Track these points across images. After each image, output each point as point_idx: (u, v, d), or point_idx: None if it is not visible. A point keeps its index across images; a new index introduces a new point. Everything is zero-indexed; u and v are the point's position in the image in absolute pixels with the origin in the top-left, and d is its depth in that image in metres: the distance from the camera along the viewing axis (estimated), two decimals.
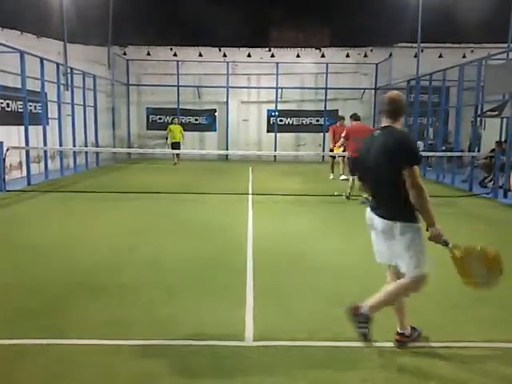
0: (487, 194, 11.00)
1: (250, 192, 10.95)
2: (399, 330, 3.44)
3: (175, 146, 17.43)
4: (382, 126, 3.32)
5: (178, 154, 17.58)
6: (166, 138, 18.04)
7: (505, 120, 13.19)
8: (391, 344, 3.44)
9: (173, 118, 18.98)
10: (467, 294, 4.53)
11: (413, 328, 3.48)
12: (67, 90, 15.29)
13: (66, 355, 3.24)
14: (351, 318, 3.22)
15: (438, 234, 3.04)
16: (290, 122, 21.21)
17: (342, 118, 13.35)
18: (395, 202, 3.16)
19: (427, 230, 3.08)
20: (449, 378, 3.05)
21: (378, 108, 3.46)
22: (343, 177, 12.66)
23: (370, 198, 3.47)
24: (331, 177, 13.48)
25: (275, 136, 20.41)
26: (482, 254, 3.06)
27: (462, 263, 3.07)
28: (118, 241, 6.40)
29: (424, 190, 3.03)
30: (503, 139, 13.17)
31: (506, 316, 4.02)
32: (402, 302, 3.41)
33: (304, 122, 21.20)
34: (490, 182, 11.94)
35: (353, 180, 9.74)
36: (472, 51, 19.10)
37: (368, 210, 3.44)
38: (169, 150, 17.51)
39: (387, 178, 3.16)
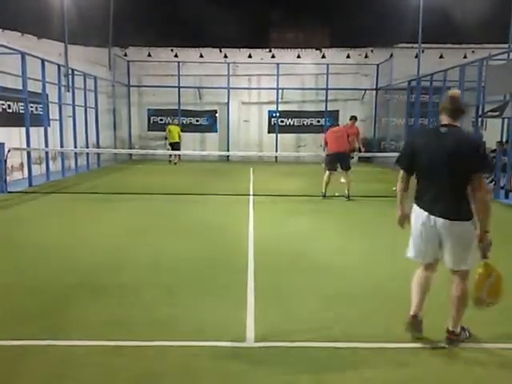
0: None
1: (251, 193, 10.94)
2: (413, 313, 3.51)
3: (174, 146, 17.82)
4: (444, 123, 3.30)
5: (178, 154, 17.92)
6: (166, 138, 18.42)
7: (506, 120, 13.18)
8: (391, 345, 3.43)
9: (173, 119, 19.39)
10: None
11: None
12: (68, 91, 15.30)
13: (67, 356, 3.24)
14: (454, 342, 3.41)
15: (491, 242, 3.19)
16: (291, 123, 21.21)
17: (355, 118, 13.21)
18: (462, 202, 3.20)
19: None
20: (449, 379, 3.05)
21: (440, 106, 3.60)
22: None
23: (422, 196, 3.36)
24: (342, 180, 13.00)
25: (276, 137, 20.42)
26: (496, 279, 3.21)
27: (484, 280, 3.21)
28: (118, 241, 6.41)
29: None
30: (504, 139, 13.15)
31: (503, 319, 4.01)
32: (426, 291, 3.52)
33: (305, 122, 21.20)
34: (491, 182, 11.92)
35: (329, 175, 10.20)
36: (473, 52, 19.09)
37: (419, 209, 3.36)
38: (170, 152, 17.80)
39: (459, 177, 3.17)
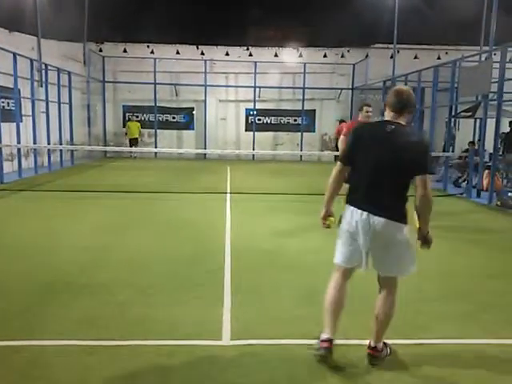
0: (461, 194, 11.21)
1: (228, 191, 10.92)
2: (329, 336, 3.14)
3: (133, 141, 19.41)
4: (389, 120, 3.08)
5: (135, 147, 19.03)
6: (126, 134, 19.63)
7: (478, 121, 13.47)
8: (367, 341, 3.46)
9: (131, 116, 20.34)
10: (438, 290, 4.62)
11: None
12: (41, 86, 14.98)
13: (39, 356, 3.17)
14: (376, 358, 3.18)
15: (431, 240, 3.12)
16: (268, 121, 21.24)
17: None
18: (402, 203, 3.05)
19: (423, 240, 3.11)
20: (429, 374, 3.09)
21: (386, 102, 3.18)
22: None
23: (359, 195, 3.09)
24: None
25: (253, 135, 20.43)
26: None
27: None
28: (92, 240, 6.31)
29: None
30: (476, 139, 13.45)
31: (475, 311, 4.10)
32: (341, 303, 3.25)
33: (282, 121, 21.27)
34: (464, 181, 12.18)
35: None
36: (446, 53, 19.45)
37: (353, 207, 3.10)
38: (132, 149, 18.37)
39: (403, 177, 3.01)
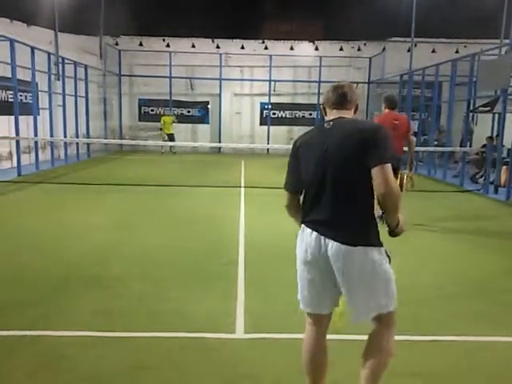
0: (478, 190, 11.04)
1: (243, 185, 10.92)
2: None
3: (171, 137, 18.56)
4: (330, 118, 2.45)
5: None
6: (161, 129, 18.77)
7: (496, 116, 13.24)
8: None
9: (165, 110, 19.46)
10: (455, 288, 4.56)
11: None
12: (58, 79, 15.12)
13: (55, 346, 3.21)
14: None
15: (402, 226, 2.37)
16: (283, 115, 21.15)
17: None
18: (364, 219, 2.32)
19: (391, 233, 2.37)
20: (435, 371, 3.06)
21: (322, 101, 2.50)
22: None
23: (309, 212, 2.41)
24: None
25: (268, 129, 20.37)
26: None
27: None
28: (108, 232, 6.36)
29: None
30: (495, 135, 13.23)
31: (491, 309, 4.04)
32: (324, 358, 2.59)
33: (297, 115, 21.17)
34: (481, 177, 12.00)
35: None
36: (465, 46, 19.14)
37: (307, 229, 2.39)
38: (166, 143, 17.63)
39: (355, 177, 2.29)
